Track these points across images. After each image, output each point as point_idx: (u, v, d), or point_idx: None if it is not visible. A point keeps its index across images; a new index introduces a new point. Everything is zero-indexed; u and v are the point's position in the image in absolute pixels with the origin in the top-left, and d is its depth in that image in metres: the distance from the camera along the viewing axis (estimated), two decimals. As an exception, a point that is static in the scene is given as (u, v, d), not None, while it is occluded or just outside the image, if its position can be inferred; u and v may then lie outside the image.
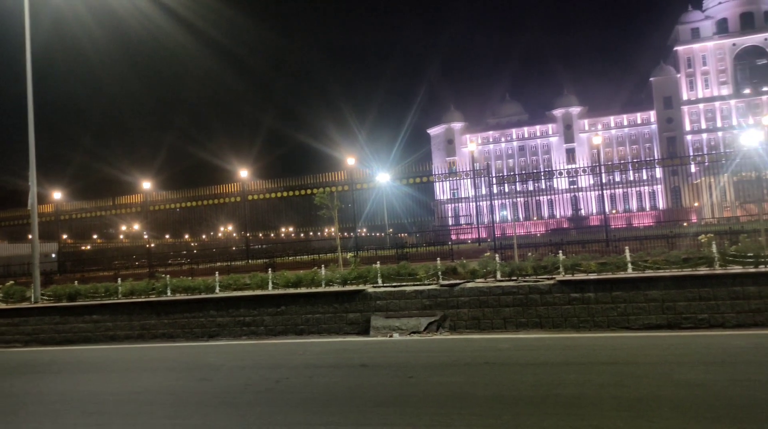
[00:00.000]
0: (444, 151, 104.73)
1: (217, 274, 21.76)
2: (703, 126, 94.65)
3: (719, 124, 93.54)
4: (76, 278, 30.92)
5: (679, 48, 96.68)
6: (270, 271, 21.13)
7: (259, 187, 32.08)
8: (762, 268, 15.68)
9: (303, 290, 19.38)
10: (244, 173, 38.06)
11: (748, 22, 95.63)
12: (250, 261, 31.55)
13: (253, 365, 14.59)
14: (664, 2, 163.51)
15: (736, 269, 15.95)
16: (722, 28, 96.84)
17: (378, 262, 20.79)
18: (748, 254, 16.32)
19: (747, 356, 12.47)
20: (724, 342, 13.93)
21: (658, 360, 12.71)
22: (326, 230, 36.99)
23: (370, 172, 34.32)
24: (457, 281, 18.17)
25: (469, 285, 17.81)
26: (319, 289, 19.19)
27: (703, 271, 16.12)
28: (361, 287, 18.77)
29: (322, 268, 20.76)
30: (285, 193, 31.08)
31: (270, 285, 20.36)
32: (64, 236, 37.81)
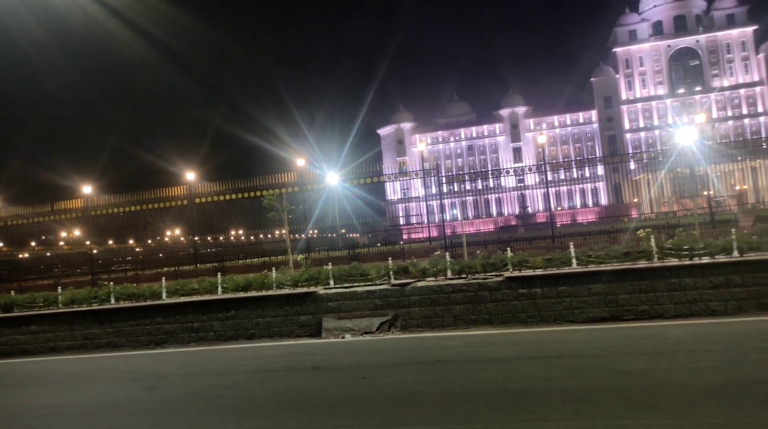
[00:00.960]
0: (394, 152, 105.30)
1: (163, 280, 21.19)
2: (641, 124, 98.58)
3: (656, 122, 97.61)
4: (12, 288, 29.49)
5: (618, 49, 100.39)
6: (219, 275, 20.74)
7: (207, 189, 31.39)
8: (696, 261, 16.45)
9: (253, 294, 19.10)
10: (190, 176, 37.18)
11: (681, 25, 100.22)
12: (198, 265, 30.83)
13: (202, 372, 14.28)
14: (604, 4, 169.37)
15: (673, 262, 16.67)
16: (657, 30, 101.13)
17: (330, 264, 20.71)
18: (684, 247, 17.08)
19: (684, 345, 13.06)
20: (663, 332, 14.54)
21: (602, 352, 13.16)
22: (277, 232, 36.58)
23: (320, 173, 34.12)
24: (408, 280, 18.30)
25: (420, 284, 17.97)
26: (270, 293, 18.96)
27: (642, 264, 16.78)
28: (312, 289, 18.65)
29: (273, 270, 20.52)
30: (233, 196, 30.52)
31: (219, 289, 19.99)
32: (0, 244, 36.00)
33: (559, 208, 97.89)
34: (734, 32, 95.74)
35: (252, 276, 20.25)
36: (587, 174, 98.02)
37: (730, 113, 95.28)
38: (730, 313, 15.58)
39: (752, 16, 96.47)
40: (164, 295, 20.37)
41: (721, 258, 16.49)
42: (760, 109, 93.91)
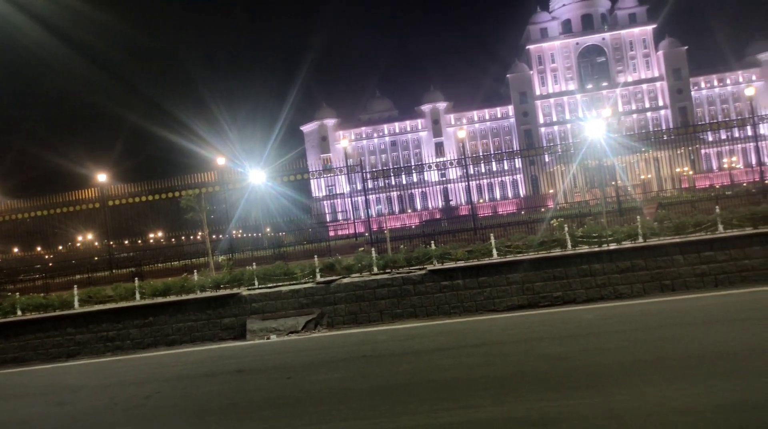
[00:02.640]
0: (318, 148, 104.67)
1: (75, 288, 20.05)
2: (555, 118, 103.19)
3: (568, 116, 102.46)
4: None
5: (531, 47, 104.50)
6: (136, 281, 19.86)
7: (121, 191, 29.92)
8: (605, 247, 17.43)
9: (173, 298, 18.44)
10: (102, 177, 35.32)
11: (588, 23, 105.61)
12: (114, 271, 29.35)
13: (119, 383, 13.65)
14: (518, 3, 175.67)
15: (584, 249, 17.58)
16: (567, 28, 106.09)
17: (254, 264, 20.33)
18: (593, 235, 18.06)
19: (595, 328, 13.82)
20: (576, 316, 15.33)
21: (522, 338, 13.71)
22: (199, 233, 35.46)
23: (242, 171, 33.34)
24: (334, 277, 18.28)
25: (346, 280, 18.00)
26: (191, 296, 18.37)
27: (556, 253, 17.59)
28: (235, 291, 18.25)
29: (195, 273, 19.89)
30: (150, 197, 29.25)
31: (137, 295, 19.15)
32: None
33: (481, 201, 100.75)
34: (636, 30, 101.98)
35: (171, 280, 19.54)
36: (506, 167, 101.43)
37: (634, 107, 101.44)
38: (636, 296, 16.63)
39: (651, 16, 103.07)
40: (76, 303, 19.28)
41: (627, 244, 17.55)
42: (660, 103, 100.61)
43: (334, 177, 35.34)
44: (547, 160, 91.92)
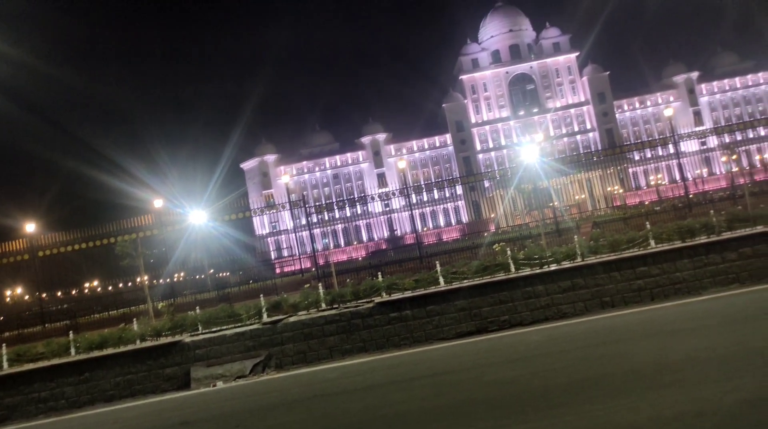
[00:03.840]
0: (260, 185, 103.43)
1: (3, 347, 18.77)
2: (491, 145, 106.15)
3: (503, 142, 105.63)
4: None
5: (464, 77, 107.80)
6: (71, 334, 18.80)
7: (53, 240, 28.52)
8: (546, 269, 17.87)
9: (110, 351, 17.54)
10: (31, 227, 33.61)
11: (516, 53, 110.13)
12: (46, 325, 27.74)
13: (53, 447, 12.78)
14: (451, 35, 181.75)
15: (526, 272, 17.96)
16: (496, 58, 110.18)
17: (197, 308, 19.68)
18: (534, 257, 18.50)
19: (542, 349, 14.05)
20: (524, 339, 15.56)
21: (471, 365, 13.76)
22: (138, 280, 34.13)
23: (182, 212, 32.44)
24: (281, 317, 17.90)
25: (293, 319, 17.66)
26: (129, 348, 17.53)
27: (499, 277, 17.89)
28: (177, 338, 17.56)
29: (134, 322, 19.04)
30: (84, 245, 27.98)
31: (71, 350, 18.11)
32: None
33: (425, 229, 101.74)
34: (561, 58, 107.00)
35: (108, 331, 18.62)
36: (448, 194, 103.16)
37: (564, 131, 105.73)
38: (578, 314, 17.07)
39: (574, 44, 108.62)
40: (5, 363, 18.05)
41: (566, 264, 18.05)
42: (588, 126, 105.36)
43: (277, 213, 34.98)
44: (486, 185, 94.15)
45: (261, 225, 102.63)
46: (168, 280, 31.35)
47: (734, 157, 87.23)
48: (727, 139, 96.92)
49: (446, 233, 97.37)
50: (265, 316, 18.16)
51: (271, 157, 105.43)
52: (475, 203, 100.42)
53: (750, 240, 17.52)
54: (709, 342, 11.47)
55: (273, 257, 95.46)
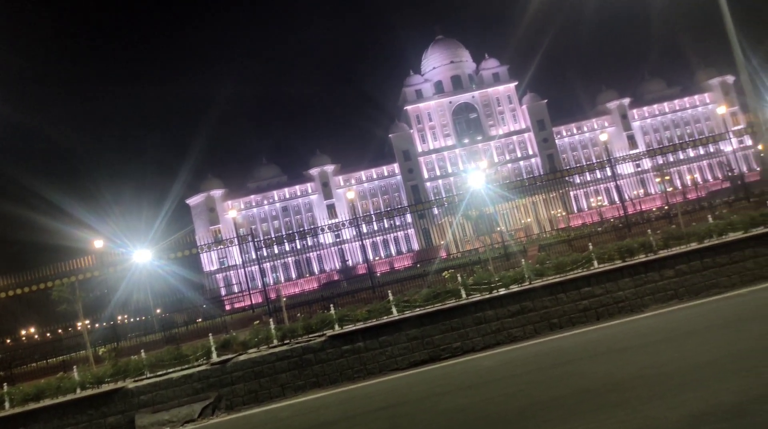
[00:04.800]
0: (207, 221, 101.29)
1: (-74, 406, 17.40)
2: (438, 173, 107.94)
3: (450, 170, 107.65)
4: None
5: (408, 107, 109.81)
6: (5, 386, 17.65)
7: (-19, 288, 26.91)
8: (495, 294, 18.08)
9: (47, 402, 16.52)
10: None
11: (457, 84, 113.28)
12: (-24, 379, 25.95)
13: None
14: (395, 66, 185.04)
15: (476, 297, 18.12)
16: (439, 88, 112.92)
17: (142, 351, 18.85)
18: (483, 282, 18.71)
19: (495, 375, 14.12)
20: (476, 365, 15.61)
21: (425, 394, 13.67)
22: (78, 324, 32.54)
23: (125, 252, 31.33)
24: (230, 356, 17.37)
25: (243, 357, 17.16)
26: (68, 397, 16.57)
27: (450, 303, 17.96)
28: (119, 385, 16.73)
29: (74, 369, 18.06)
30: (18, 291, 26.54)
31: (6, 403, 16.97)
32: None
33: (377, 258, 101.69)
34: (501, 88, 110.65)
35: (46, 381, 17.58)
36: (398, 223, 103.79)
37: (507, 157, 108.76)
38: (528, 337, 17.29)
39: (513, 74, 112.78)
40: (-73, 424, 16.70)
41: (514, 288, 18.34)
42: (530, 152, 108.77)
43: (225, 249, 34.24)
44: (435, 212, 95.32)
45: (209, 261, 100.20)
46: (111, 323, 30.07)
47: (666, 178, 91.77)
48: (660, 160, 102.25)
49: (398, 261, 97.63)
50: (214, 355, 17.58)
51: (218, 192, 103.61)
52: (425, 230, 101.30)
53: (685, 257, 18.29)
54: (654, 359, 11.80)
55: (222, 294, 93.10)
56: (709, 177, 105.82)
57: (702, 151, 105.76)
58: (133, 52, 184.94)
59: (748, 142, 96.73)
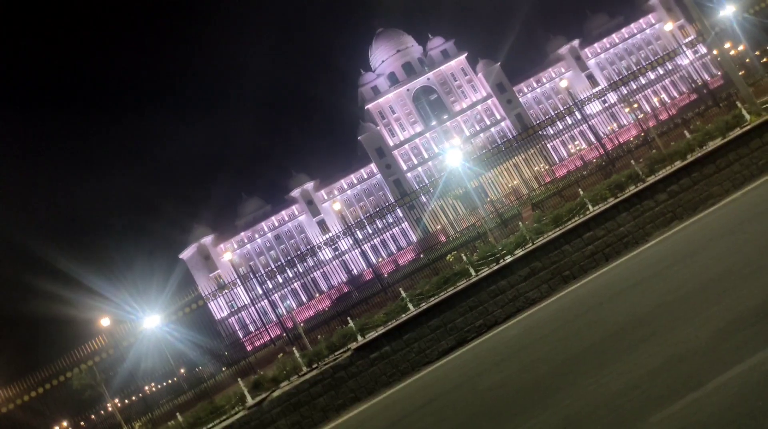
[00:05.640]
0: (205, 269, 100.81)
1: None
2: (415, 161, 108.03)
3: (426, 155, 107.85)
4: None
5: (369, 106, 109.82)
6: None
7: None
8: (502, 263, 18.11)
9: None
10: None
11: (410, 70, 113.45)
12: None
13: None
14: (346, 71, 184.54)
15: (486, 271, 18.13)
16: (393, 79, 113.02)
17: (178, 414, 18.76)
18: (488, 255, 18.74)
19: (522, 342, 14.17)
20: (503, 337, 15.67)
21: (462, 380, 13.72)
22: (108, 405, 32.27)
23: (135, 319, 31.16)
24: (264, 395, 17.31)
25: (277, 393, 17.12)
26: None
27: (462, 284, 17.97)
28: (165, 453, 16.65)
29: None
30: (39, 390, 26.27)
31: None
32: None
33: (380, 260, 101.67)
34: (453, 63, 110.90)
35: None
36: (391, 220, 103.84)
37: (478, 128, 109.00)
38: (545, 296, 17.33)
39: (460, 47, 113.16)
40: None
41: (519, 252, 18.37)
42: (498, 117, 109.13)
43: (230, 291, 34.12)
44: (424, 199, 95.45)
45: (219, 309, 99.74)
46: (139, 395, 29.90)
47: (635, 106, 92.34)
48: (624, 91, 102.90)
49: (401, 257, 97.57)
50: (248, 399, 17.52)
51: (208, 239, 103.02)
52: (418, 220, 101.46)
53: (674, 177, 18.44)
54: (670, 284, 11.90)
55: (241, 336, 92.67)
56: (675, 94, 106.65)
57: (662, 71, 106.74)
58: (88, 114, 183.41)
59: (704, 50, 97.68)
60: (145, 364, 30.68)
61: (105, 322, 35.32)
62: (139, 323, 30.27)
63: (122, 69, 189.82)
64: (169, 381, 43.14)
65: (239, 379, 18.96)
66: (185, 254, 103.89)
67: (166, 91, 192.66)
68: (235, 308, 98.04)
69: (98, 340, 27.38)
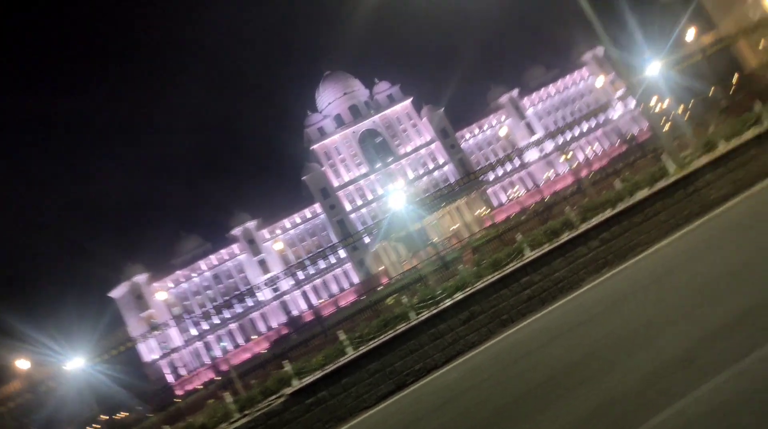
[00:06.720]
0: (136, 309, 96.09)
1: None
2: (359, 203, 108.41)
3: (369, 197, 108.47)
4: None
5: (315, 146, 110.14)
6: None
7: None
8: (442, 306, 18.15)
9: None
10: None
11: (356, 113, 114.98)
12: None
13: None
14: (292, 111, 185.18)
15: (425, 315, 18.11)
16: (340, 121, 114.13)
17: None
18: (428, 298, 18.76)
19: (462, 386, 14.10)
20: (443, 381, 15.55)
21: (400, 426, 13.44)
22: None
23: (56, 362, 29.35)
24: (192, 445, 16.40)
25: (206, 442, 16.25)
26: None
27: (402, 327, 17.85)
28: None
29: None
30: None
31: None
32: None
33: (321, 301, 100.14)
34: (398, 107, 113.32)
35: None
36: (334, 260, 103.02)
37: (421, 171, 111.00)
38: (485, 339, 17.44)
39: (406, 92, 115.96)
40: None
41: (459, 295, 18.48)
42: (441, 161, 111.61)
43: (163, 332, 32.66)
44: (367, 241, 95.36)
45: (149, 350, 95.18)
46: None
47: (569, 155, 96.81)
48: (560, 140, 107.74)
49: (342, 299, 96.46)
50: (174, 450, 16.55)
51: (141, 277, 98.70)
52: (361, 262, 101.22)
53: (605, 225, 19.17)
54: (601, 330, 12.20)
55: (171, 380, 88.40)
56: (607, 145, 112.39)
57: (594, 123, 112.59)
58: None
59: (632, 104, 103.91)
60: (66, 409, 28.82)
61: (23, 364, 32.93)
62: (61, 366, 28.46)
63: (51, 101, 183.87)
64: (90, 428, 40.46)
65: (166, 428, 17.96)
66: (116, 293, 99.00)
67: (105, 122, 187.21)
68: (168, 350, 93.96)
69: (11, 385, 25.49)
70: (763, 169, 19.95)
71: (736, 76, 42.05)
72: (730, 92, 42.74)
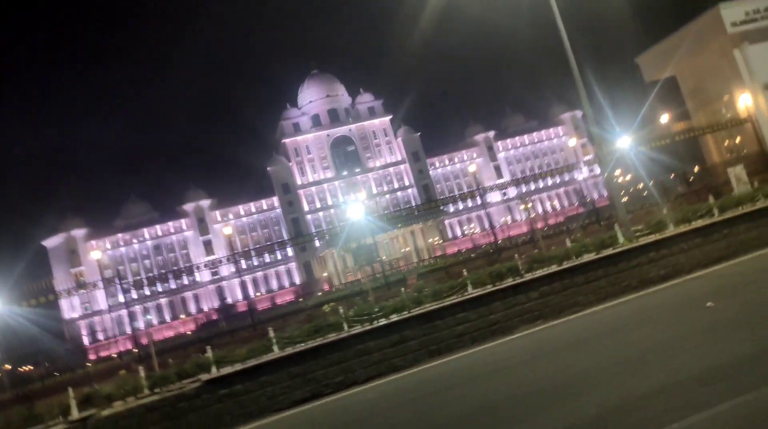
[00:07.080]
0: (68, 263, 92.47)
1: None
2: (318, 205, 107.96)
3: (330, 202, 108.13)
4: None
5: (286, 140, 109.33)
6: None
7: None
8: (376, 324, 18.22)
9: None
10: None
11: (335, 117, 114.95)
12: None
13: None
14: (271, 100, 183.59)
15: (358, 329, 18.13)
16: (317, 122, 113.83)
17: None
18: (364, 314, 18.81)
19: (376, 408, 14.12)
20: (359, 399, 15.53)
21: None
22: None
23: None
24: (92, 411, 15.82)
25: (106, 412, 15.71)
26: None
27: (332, 337, 17.82)
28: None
29: None
30: None
31: None
32: None
33: (258, 295, 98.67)
34: (376, 121, 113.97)
35: None
36: (280, 257, 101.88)
37: (385, 188, 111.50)
38: (409, 366, 17.53)
39: (387, 109, 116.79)
40: None
41: (395, 317, 18.60)
42: (407, 183, 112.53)
43: (89, 292, 31.54)
44: (317, 244, 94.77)
45: (70, 308, 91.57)
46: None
47: (529, 205, 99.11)
48: (523, 189, 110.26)
49: (280, 297, 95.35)
50: (74, 413, 15.93)
51: (79, 232, 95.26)
52: (306, 264, 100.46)
53: (548, 279, 19.68)
54: (523, 378, 12.46)
55: (86, 343, 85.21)
56: (566, 203, 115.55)
57: (558, 180, 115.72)
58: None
59: (598, 170, 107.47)
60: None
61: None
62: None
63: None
64: (-11, 375, 38.56)
65: (70, 389, 17.27)
66: (50, 242, 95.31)
67: (89, 70, 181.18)
68: (90, 312, 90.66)
69: None
70: (704, 260, 20.93)
71: (697, 167, 44.12)
72: (690, 180, 44.76)
